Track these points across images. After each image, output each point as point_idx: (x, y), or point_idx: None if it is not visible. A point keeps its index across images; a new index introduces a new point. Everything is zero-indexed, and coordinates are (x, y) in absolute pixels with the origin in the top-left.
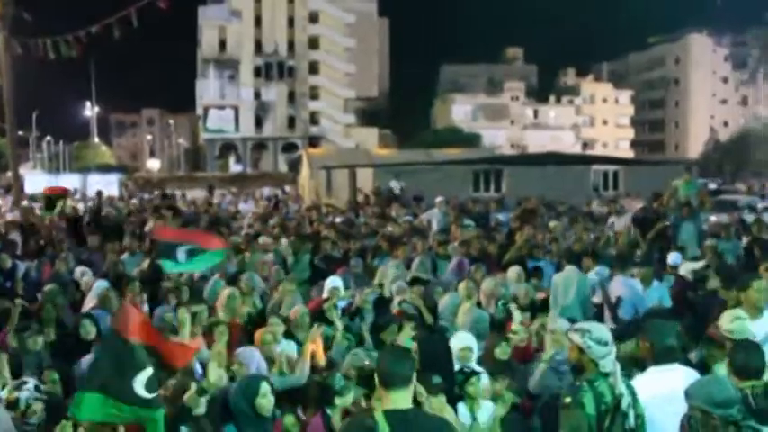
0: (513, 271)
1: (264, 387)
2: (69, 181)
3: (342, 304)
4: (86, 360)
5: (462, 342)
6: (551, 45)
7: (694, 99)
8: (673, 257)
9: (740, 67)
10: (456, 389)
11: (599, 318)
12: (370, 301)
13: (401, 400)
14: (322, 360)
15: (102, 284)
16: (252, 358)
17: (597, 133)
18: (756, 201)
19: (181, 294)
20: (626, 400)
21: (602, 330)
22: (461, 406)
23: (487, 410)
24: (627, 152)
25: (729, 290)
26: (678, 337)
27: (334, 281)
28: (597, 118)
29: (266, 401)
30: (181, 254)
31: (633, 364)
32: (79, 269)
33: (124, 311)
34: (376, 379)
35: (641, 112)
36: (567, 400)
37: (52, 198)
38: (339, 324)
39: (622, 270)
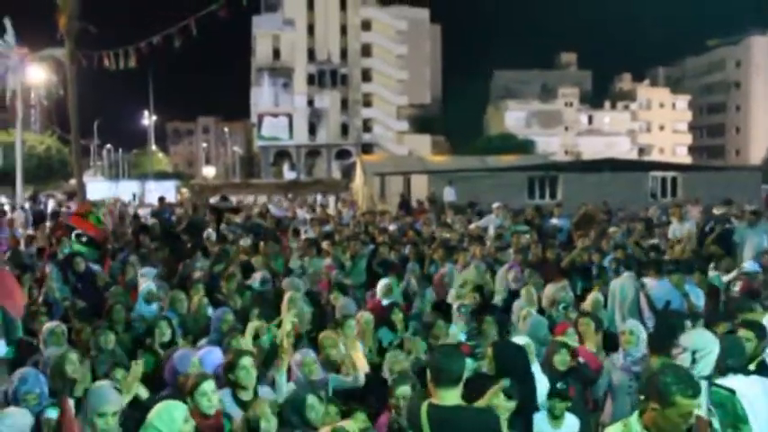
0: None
1: (311, 399)
2: (128, 188)
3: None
4: (178, 355)
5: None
6: (606, 50)
7: (756, 103)
8: (749, 264)
9: None
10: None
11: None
12: (428, 303)
13: (449, 397)
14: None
15: (149, 286)
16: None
17: (654, 139)
18: None
19: (244, 297)
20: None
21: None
22: (541, 419)
23: (571, 426)
24: (685, 158)
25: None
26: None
27: (386, 280)
28: (654, 123)
29: (314, 414)
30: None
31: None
32: (143, 270)
33: None
34: (428, 374)
35: (700, 117)
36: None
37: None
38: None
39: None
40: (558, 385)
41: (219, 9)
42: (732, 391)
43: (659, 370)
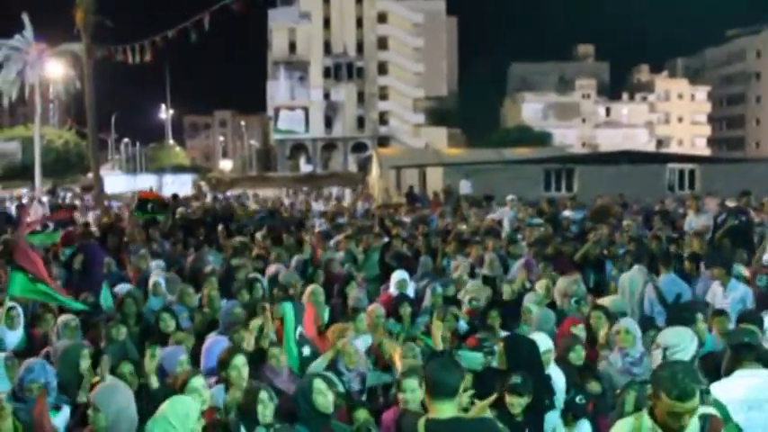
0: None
1: (318, 384)
2: (146, 181)
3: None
4: (166, 353)
5: (544, 345)
6: (624, 41)
7: None
8: None
9: None
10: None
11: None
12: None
13: (444, 410)
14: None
15: (156, 279)
16: None
17: (672, 131)
18: None
19: (254, 291)
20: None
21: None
22: (555, 417)
23: (584, 430)
24: (703, 150)
25: None
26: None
27: (401, 274)
28: (672, 115)
29: (322, 398)
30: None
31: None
32: (154, 263)
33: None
34: (424, 386)
35: (719, 109)
36: None
37: (146, 201)
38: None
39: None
40: (578, 399)
41: (234, 2)
42: (707, 392)
43: (665, 363)
